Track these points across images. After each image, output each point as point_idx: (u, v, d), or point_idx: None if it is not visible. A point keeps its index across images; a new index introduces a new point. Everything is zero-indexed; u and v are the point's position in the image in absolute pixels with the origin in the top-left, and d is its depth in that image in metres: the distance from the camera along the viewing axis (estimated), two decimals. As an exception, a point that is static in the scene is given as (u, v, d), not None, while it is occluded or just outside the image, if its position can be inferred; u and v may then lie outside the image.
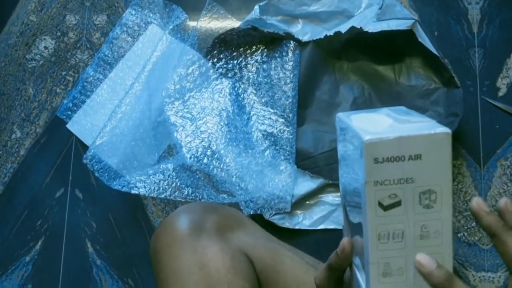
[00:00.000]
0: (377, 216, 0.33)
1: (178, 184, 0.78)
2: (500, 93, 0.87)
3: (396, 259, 0.34)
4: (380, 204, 0.33)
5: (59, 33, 0.96)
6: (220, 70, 0.88)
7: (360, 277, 0.37)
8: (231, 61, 0.88)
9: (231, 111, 0.84)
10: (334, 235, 0.83)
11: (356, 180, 0.35)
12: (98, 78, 0.92)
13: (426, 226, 0.33)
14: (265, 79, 0.86)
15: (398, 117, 0.36)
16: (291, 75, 0.85)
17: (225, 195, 0.80)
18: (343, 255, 0.37)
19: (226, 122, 0.83)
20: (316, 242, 0.83)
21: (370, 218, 0.33)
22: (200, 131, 0.82)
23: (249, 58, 0.88)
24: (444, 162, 0.33)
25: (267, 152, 0.83)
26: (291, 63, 0.86)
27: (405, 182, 0.33)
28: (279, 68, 0.86)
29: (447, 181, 0.33)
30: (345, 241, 0.37)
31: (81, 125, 0.90)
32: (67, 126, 0.91)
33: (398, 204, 0.33)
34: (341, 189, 0.41)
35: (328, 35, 0.84)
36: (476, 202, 0.35)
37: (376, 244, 0.33)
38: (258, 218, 0.80)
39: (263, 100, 0.86)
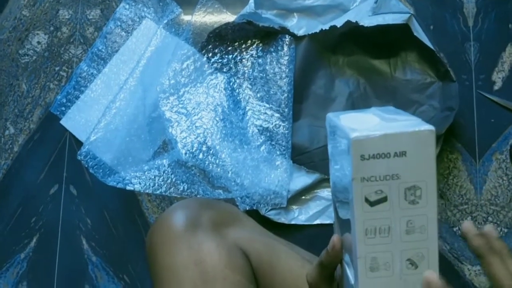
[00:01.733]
0: (364, 212, 0.34)
1: (174, 180, 0.78)
2: (496, 87, 0.87)
3: (383, 254, 0.35)
4: (366, 200, 0.34)
5: (52, 28, 0.95)
6: (215, 65, 0.87)
7: (350, 273, 0.37)
8: (226, 56, 0.87)
9: (226, 106, 0.84)
10: (330, 230, 0.82)
11: (345, 176, 0.35)
12: (92, 73, 0.92)
13: (412, 221, 0.34)
14: (261, 74, 0.86)
15: (385, 116, 0.37)
16: (287, 70, 0.85)
17: (220, 191, 0.80)
18: (333, 252, 0.38)
19: (221, 118, 0.83)
20: (312, 237, 0.83)
21: (357, 214, 0.34)
22: (195, 126, 0.82)
23: (244, 53, 0.87)
24: (428, 159, 0.33)
25: (263, 147, 0.83)
26: (286, 58, 0.85)
27: (391, 179, 0.34)
28: (274, 62, 0.86)
29: (432, 177, 0.34)
30: (335, 238, 0.38)
31: (75, 121, 0.90)
32: (61, 122, 0.91)
33: (384, 200, 0.34)
34: (331, 186, 0.42)
35: (323, 29, 0.84)
36: (466, 225, 0.37)
37: (363, 239, 0.34)
38: (254, 214, 0.80)
39: (258, 95, 0.86)
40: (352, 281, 0.37)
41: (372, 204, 0.34)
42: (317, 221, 0.83)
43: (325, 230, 0.83)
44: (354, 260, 0.35)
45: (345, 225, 0.38)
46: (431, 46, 0.81)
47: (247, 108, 0.85)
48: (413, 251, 0.34)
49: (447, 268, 0.82)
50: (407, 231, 0.34)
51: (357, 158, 0.33)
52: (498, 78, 0.87)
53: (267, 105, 0.84)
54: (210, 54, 0.88)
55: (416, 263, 0.35)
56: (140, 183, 0.76)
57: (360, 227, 0.34)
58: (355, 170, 0.33)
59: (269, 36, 0.87)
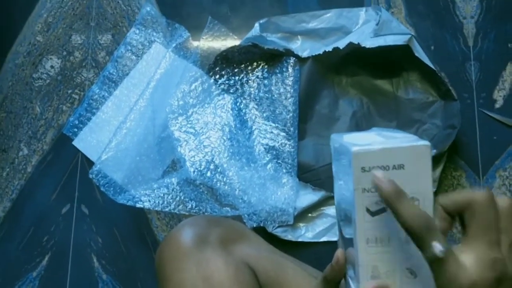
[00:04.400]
0: (365, 221, 0.35)
1: (182, 197, 0.79)
2: (497, 105, 0.88)
3: (383, 263, 0.36)
4: (368, 210, 0.35)
5: (65, 53, 0.98)
6: (222, 86, 0.90)
7: (354, 286, 0.38)
8: (233, 77, 0.90)
9: (233, 126, 0.86)
10: (336, 247, 0.83)
11: (348, 192, 0.37)
12: (103, 95, 0.94)
13: None
14: (266, 94, 0.88)
15: (385, 134, 0.39)
16: (292, 90, 0.87)
17: (228, 208, 0.80)
18: (337, 266, 0.39)
19: (228, 137, 0.85)
20: (318, 254, 0.83)
21: (358, 223, 0.35)
22: (203, 145, 0.84)
23: (250, 74, 0.90)
24: (425, 172, 0.35)
25: (269, 165, 0.84)
26: (291, 79, 0.87)
27: None
28: (279, 83, 0.88)
29: (428, 189, 0.35)
30: (339, 252, 0.39)
31: (86, 141, 0.92)
32: (73, 143, 0.93)
33: (384, 210, 0.35)
34: (336, 205, 0.43)
35: (327, 50, 0.86)
36: (378, 173, 0.35)
37: (364, 248, 0.35)
38: (261, 231, 0.81)
39: (264, 115, 0.87)
40: None
41: (373, 214, 0.35)
42: (324, 239, 0.84)
43: (332, 247, 0.83)
44: (356, 269, 0.36)
45: (349, 242, 0.39)
46: (432, 66, 0.83)
47: (254, 127, 0.87)
48: (412, 260, 0.36)
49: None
50: (406, 241, 0.35)
51: (358, 170, 0.35)
52: (499, 96, 0.89)
53: (273, 125, 0.86)
54: (217, 76, 0.90)
55: (415, 272, 0.36)
56: (149, 201, 0.78)
57: (362, 236, 0.35)
58: (356, 181, 0.35)
59: (274, 58, 0.90)
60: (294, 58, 0.88)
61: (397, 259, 0.36)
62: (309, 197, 0.84)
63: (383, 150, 0.35)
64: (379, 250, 0.35)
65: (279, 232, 0.83)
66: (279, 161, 0.84)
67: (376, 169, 0.35)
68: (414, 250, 0.35)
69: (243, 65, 0.90)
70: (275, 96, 0.87)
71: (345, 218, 0.39)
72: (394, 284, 0.36)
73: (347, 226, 0.39)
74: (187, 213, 0.80)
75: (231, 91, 0.89)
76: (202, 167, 0.81)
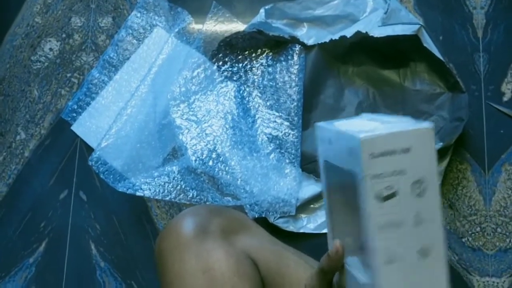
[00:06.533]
0: (376, 208, 0.36)
1: (183, 186, 0.79)
2: (505, 98, 0.87)
3: (395, 247, 0.36)
4: (378, 196, 0.35)
5: (64, 35, 0.96)
6: (225, 73, 0.88)
7: (359, 273, 0.39)
8: (237, 64, 0.88)
9: (236, 114, 0.85)
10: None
11: (347, 179, 0.37)
12: (103, 80, 0.93)
13: (419, 213, 0.36)
14: (270, 83, 0.87)
15: (379, 118, 0.39)
16: (296, 79, 0.85)
17: (229, 198, 0.80)
18: (337, 256, 0.39)
19: (231, 125, 0.84)
20: (320, 246, 0.82)
21: (369, 210, 0.36)
22: (205, 133, 0.83)
23: (254, 62, 0.88)
24: (429, 154, 0.36)
25: (272, 155, 0.83)
26: (296, 67, 0.86)
27: (398, 174, 0.36)
28: (284, 71, 0.86)
29: (433, 171, 0.36)
30: (337, 243, 0.39)
31: (85, 127, 0.91)
32: (72, 128, 0.91)
33: (393, 195, 0.36)
34: (325, 197, 0.44)
35: (333, 39, 0.84)
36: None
37: (376, 234, 0.36)
38: (262, 222, 0.80)
39: (268, 103, 0.86)
40: (363, 279, 0.38)
41: (383, 199, 0.35)
42: (326, 230, 0.83)
43: (333, 239, 0.83)
44: (370, 256, 0.36)
45: (344, 231, 0.39)
46: (441, 57, 0.81)
47: (257, 116, 0.85)
48: (422, 243, 0.36)
49: (455, 279, 0.82)
50: (415, 223, 0.36)
51: (366, 157, 0.35)
52: (507, 89, 0.87)
53: (277, 114, 0.85)
54: (221, 63, 0.89)
55: (426, 253, 0.36)
56: (150, 189, 0.77)
57: (373, 223, 0.36)
58: (365, 168, 0.35)
59: (279, 46, 0.88)
60: (299, 46, 0.87)
61: (408, 243, 0.36)
62: (311, 188, 0.83)
63: (390, 135, 0.35)
64: (391, 235, 0.36)
65: (280, 223, 0.82)
66: (282, 151, 0.84)
67: (384, 155, 0.35)
68: (425, 231, 0.36)
69: (247, 52, 0.89)
70: (280, 84, 0.86)
71: (341, 207, 0.39)
72: (406, 267, 0.36)
73: (344, 215, 0.39)
74: (187, 202, 0.80)
75: (235, 78, 0.88)
76: (204, 155, 0.80)
